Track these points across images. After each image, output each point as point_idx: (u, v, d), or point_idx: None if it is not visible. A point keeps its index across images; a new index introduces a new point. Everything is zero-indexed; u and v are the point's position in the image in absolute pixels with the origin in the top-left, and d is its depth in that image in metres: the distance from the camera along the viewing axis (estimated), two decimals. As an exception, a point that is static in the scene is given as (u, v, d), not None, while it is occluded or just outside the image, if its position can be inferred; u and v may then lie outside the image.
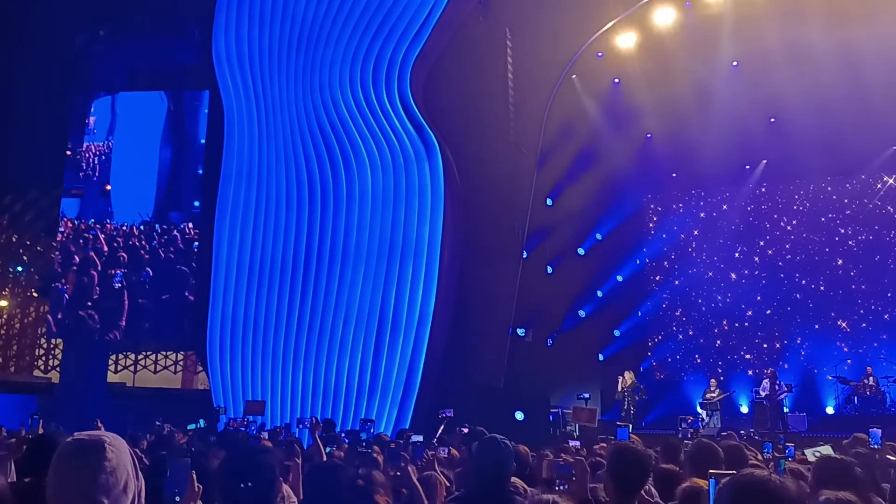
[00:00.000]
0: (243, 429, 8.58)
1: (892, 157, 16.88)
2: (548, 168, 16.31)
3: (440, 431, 9.53)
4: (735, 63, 15.74)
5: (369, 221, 14.94)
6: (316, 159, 15.41)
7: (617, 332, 18.92)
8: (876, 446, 6.08)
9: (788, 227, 18.50)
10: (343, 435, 9.51)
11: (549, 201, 16.80)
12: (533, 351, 16.06)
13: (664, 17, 15.07)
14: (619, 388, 16.24)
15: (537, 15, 15.00)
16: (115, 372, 19.01)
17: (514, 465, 3.95)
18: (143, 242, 17.22)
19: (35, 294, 21.34)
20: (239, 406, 14.85)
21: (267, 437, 8.25)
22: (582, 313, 17.99)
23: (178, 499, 2.26)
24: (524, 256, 15.64)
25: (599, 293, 18.60)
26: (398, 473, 4.20)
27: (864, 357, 16.84)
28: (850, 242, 17.85)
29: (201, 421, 10.39)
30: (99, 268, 17.08)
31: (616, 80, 16.57)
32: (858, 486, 3.50)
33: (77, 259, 17.33)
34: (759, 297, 18.40)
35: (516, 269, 15.40)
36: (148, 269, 16.94)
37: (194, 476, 2.26)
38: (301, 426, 9.99)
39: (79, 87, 18.12)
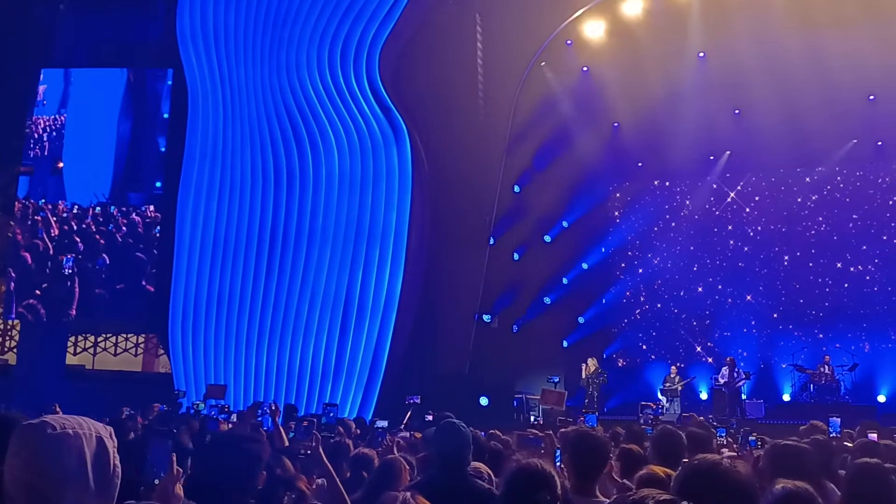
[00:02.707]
0: (205, 412, 8.51)
1: (853, 150, 17.21)
2: (516, 155, 16.33)
3: (407, 417, 9.56)
4: (701, 54, 15.89)
5: (336, 205, 14.85)
6: (282, 141, 15.23)
7: (581, 320, 19.11)
8: (835, 434, 6.25)
9: (750, 218, 18.80)
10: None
11: (516, 188, 16.85)
12: (498, 337, 16.15)
13: (632, 7, 15.14)
14: (583, 375, 16.41)
15: (507, 2, 14.97)
16: (74, 354, 18.66)
17: (471, 448, 3.97)
18: (100, 226, 16.68)
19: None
20: (202, 389, 14.72)
21: (234, 420, 8.18)
22: (547, 300, 18.12)
23: (157, 481, 2.23)
24: (491, 243, 15.69)
25: (565, 280, 18.74)
26: (308, 453, 4.12)
27: (820, 346, 17.23)
28: (810, 233, 18.22)
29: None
30: (51, 251, 16.55)
31: (585, 69, 16.61)
32: (810, 472, 3.58)
33: (21, 241, 16.81)
34: (720, 286, 18.72)
35: (483, 255, 15.45)
36: (104, 255, 16.42)
37: (175, 458, 2.23)
38: (261, 411, 9.94)
39: (38, 63, 17.60)
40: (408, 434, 6.90)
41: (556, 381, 13.93)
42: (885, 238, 17.49)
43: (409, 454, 5.04)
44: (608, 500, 3.45)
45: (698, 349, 18.62)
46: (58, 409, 6.98)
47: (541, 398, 12.05)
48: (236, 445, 2.76)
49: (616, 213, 20.07)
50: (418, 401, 11.35)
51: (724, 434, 6.88)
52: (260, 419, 8.00)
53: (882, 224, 17.57)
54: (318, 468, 3.93)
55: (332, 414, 6.80)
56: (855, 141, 17.06)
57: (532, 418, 14.23)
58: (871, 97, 15.81)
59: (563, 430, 6.28)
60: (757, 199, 18.83)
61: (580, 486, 3.38)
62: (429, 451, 4.23)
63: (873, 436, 6.01)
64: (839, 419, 6.28)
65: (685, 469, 2.19)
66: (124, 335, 19.07)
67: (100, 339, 19.08)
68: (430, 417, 9.78)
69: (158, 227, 16.46)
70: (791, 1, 14.22)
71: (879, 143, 17.09)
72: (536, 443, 3.79)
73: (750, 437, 5.63)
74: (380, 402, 14.13)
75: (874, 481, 3.35)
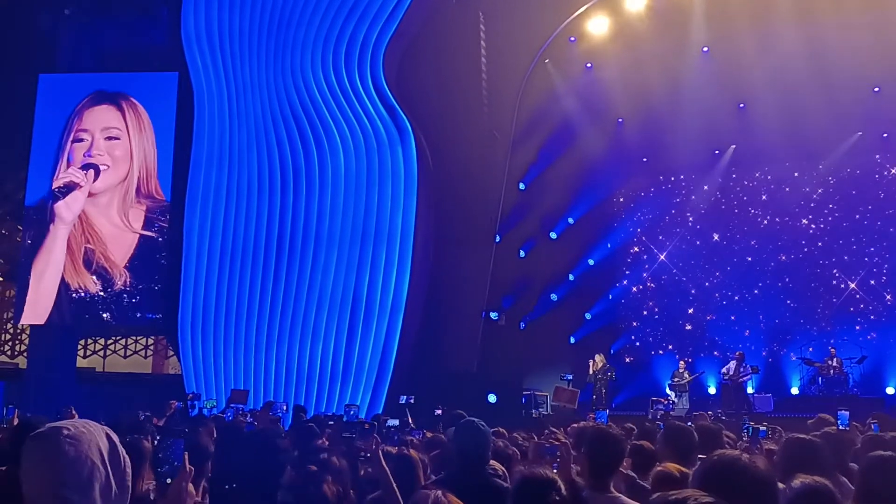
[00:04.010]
0: (229, 416, 8.59)
1: (857, 143, 17.20)
2: (521, 152, 16.36)
3: (409, 417, 9.64)
4: (705, 49, 15.89)
5: (342, 205, 14.89)
6: (288, 142, 15.29)
7: (588, 316, 19.13)
8: (844, 427, 6.24)
9: (756, 212, 18.79)
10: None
11: (521, 185, 16.88)
12: (505, 334, 16.20)
13: (635, 3, 15.14)
14: (591, 371, 16.45)
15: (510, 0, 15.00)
16: (84, 357, 18.76)
17: (491, 447, 4.02)
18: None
19: (0, 278, 20.94)
20: (212, 391, 14.79)
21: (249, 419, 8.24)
22: (554, 297, 18.15)
23: (169, 480, 2.25)
24: (497, 241, 15.72)
25: (571, 277, 18.76)
26: (368, 455, 4.19)
27: (828, 338, 17.23)
28: (817, 226, 18.20)
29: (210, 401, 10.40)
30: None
31: (588, 65, 16.63)
32: (824, 466, 3.61)
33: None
34: (726, 280, 18.72)
35: (489, 253, 15.48)
36: None
37: (187, 457, 2.26)
38: (272, 411, 10.00)
39: (43, 68, 17.66)
40: (420, 433, 6.95)
41: (569, 378, 14.02)
42: (892, 229, 17.47)
43: (423, 453, 5.09)
44: (622, 496, 3.49)
45: (706, 344, 18.63)
46: (73, 412, 7.04)
47: (554, 395, 12.12)
48: (270, 441, 2.84)
49: (622, 209, 20.08)
50: (412, 401, 11.47)
51: (749, 429, 6.77)
52: (277, 415, 8.06)
53: (889, 215, 17.55)
54: (376, 471, 3.98)
55: (352, 412, 6.91)
56: (860, 133, 17.05)
57: (535, 414, 14.32)
58: (876, 89, 15.79)
59: (574, 425, 6.32)
60: (763, 192, 18.82)
61: (596, 482, 3.43)
62: (448, 449, 4.28)
63: (874, 424, 6.01)
64: (848, 412, 6.27)
65: (705, 464, 2.20)
66: (134, 337, 19.17)
67: (109, 341, 19.18)
68: (439, 412, 9.89)
69: (166, 228, 16.49)
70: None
71: (885, 135, 17.08)
72: (552, 451, 3.85)
73: (760, 428, 5.60)
74: (388, 402, 14.17)
75: (888, 474, 3.35)
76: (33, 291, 16.35)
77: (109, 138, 16.70)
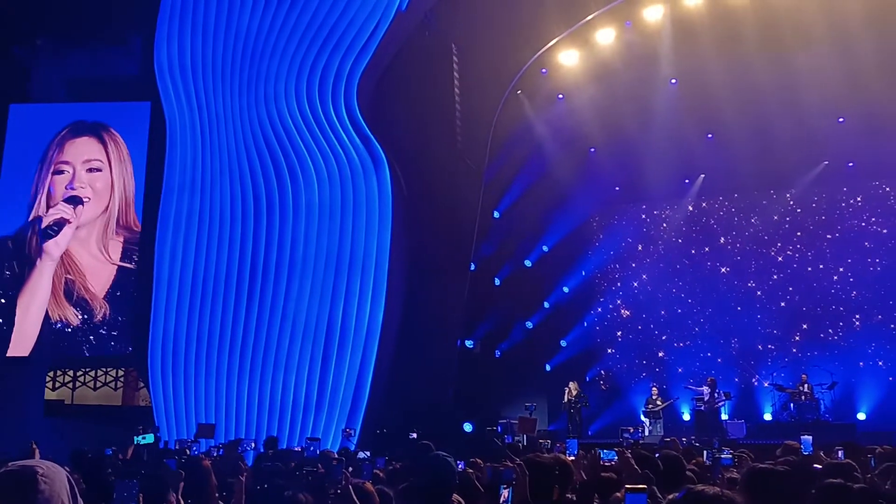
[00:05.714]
0: (195, 451, 8.48)
1: (823, 172, 17.53)
2: (495, 181, 16.51)
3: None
4: (674, 81, 16.20)
5: (316, 234, 14.87)
6: (261, 172, 15.27)
7: (564, 343, 19.19)
8: (808, 453, 6.29)
9: (726, 239, 19.04)
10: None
11: (496, 214, 16.99)
12: (481, 363, 16.19)
13: (605, 36, 15.43)
14: (566, 399, 16.46)
15: (483, 32, 15.21)
16: (53, 389, 18.43)
17: (456, 481, 4.01)
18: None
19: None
20: (182, 423, 14.59)
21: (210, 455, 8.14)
22: (529, 324, 18.20)
23: None
24: (472, 269, 15.77)
25: (546, 304, 18.84)
26: (338, 491, 4.17)
27: (800, 364, 17.40)
28: (786, 254, 18.47)
29: (149, 436, 10.21)
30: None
31: (560, 96, 16.88)
32: (788, 496, 3.63)
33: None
34: (698, 308, 18.89)
35: (464, 281, 15.52)
36: None
37: (141, 498, 2.25)
38: (241, 448, 9.88)
39: (15, 99, 17.54)
40: (380, 460, 6.91)
41: (532, 408, 14.05)
42: (858, 257, 17.76)
43: (388, 486, 5.06)
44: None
45: (679, 370, 18.73)
46: (34, 447, 6.92)
47: (518, 426, 12.17)
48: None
49: (595, 237, 20.26)
50: (353, 433, 11.63)
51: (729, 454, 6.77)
52: (241, 452, 7.98)
53: (856, 244, 17.85)
54: None
55: (311, 448, 6.81)
56: (826, 163, 17.39)
57: (500, 443, 14.30)
58: (841, 119, 16.14)
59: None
60: (732, 220, 19.10)
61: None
62: (413, 482, 4.27)
63: (840, 452, 6.08)
64: (811, 437, 6.33)
65: (688, 499, 2.15)
66: (104, 369, 18.87)
67: (79, 373, 18.86)
68: (414, 435, 9.89)
69: (136, 259, 16.34)
70: (760, 27, 14.55)
71: (850, 165, 17.42)
72: (508, 474, 3.85)
73: (722, 456, 5.61)
74: (363, 432, 14.06)
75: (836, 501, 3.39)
76: (19, 325, 16.02)
77: (91, 170, 16.56)
